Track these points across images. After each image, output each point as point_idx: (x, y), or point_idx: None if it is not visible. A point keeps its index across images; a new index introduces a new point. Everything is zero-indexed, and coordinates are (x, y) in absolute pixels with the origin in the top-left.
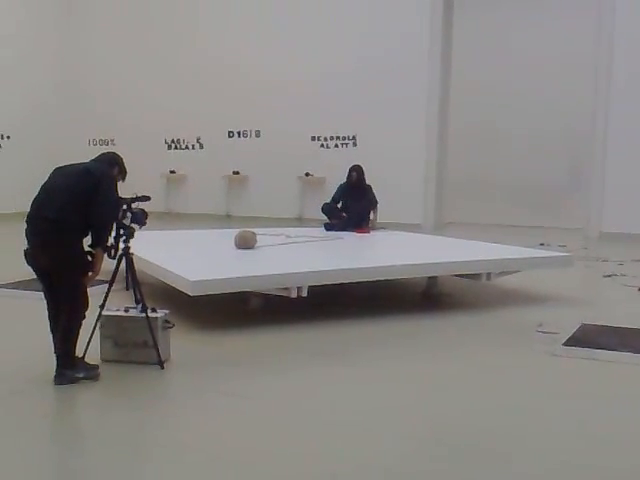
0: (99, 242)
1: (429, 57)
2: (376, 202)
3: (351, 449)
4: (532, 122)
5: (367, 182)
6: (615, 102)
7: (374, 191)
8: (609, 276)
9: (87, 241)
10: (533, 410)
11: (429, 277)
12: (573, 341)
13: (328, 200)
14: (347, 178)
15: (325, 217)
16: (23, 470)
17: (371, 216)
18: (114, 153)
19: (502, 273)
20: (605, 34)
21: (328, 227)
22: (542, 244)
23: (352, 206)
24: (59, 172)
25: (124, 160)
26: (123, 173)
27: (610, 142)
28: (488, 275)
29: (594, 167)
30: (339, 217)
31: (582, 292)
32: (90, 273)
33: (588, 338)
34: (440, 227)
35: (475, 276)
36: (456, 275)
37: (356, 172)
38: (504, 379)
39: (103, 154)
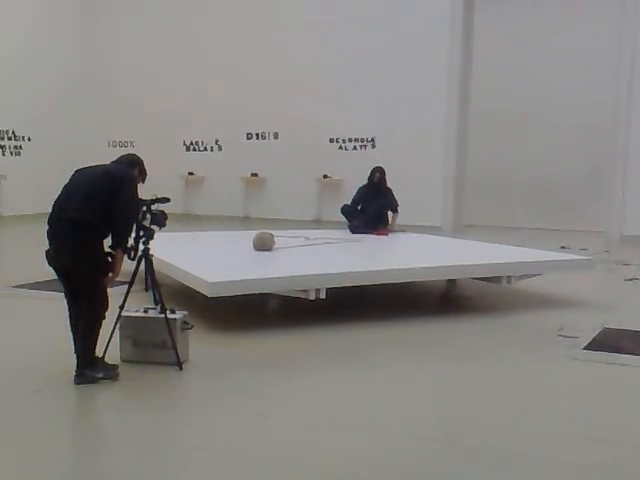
0: (119, 243)
1: (449, 57)
2: (397, 205)
3: (369, 450)
4: (552, 122)
5: (388, 185)
6: (638, 99)
7: (395, 195)
8: (631, 280)
9: (107, 242)
10: (552, 414)
11: (448, 280)
12: (594, 345)
13: (347, 202)
14: (369, 178)
15: (344, 218)
16: (42, 468)
17: (390, 218)
18: (134, 155)
19: (522, 276)
20: (628, 28)
21: (353, 229)
22: (563, 247)
23: (370, 207)
24: (80, 174)
25: (144, 162)
26: (143, 175)
27: (632, 144)
28: (508, 278)
29: (616, 169)
30: (358, 218)
31: (603, 296)
32: (110, 274)
33: (609, 342)
34: (460, 230)
35: (495, 279)
36: (476, 278)
37: (379, 172)
38: (524, 383)
39: (123, 156)
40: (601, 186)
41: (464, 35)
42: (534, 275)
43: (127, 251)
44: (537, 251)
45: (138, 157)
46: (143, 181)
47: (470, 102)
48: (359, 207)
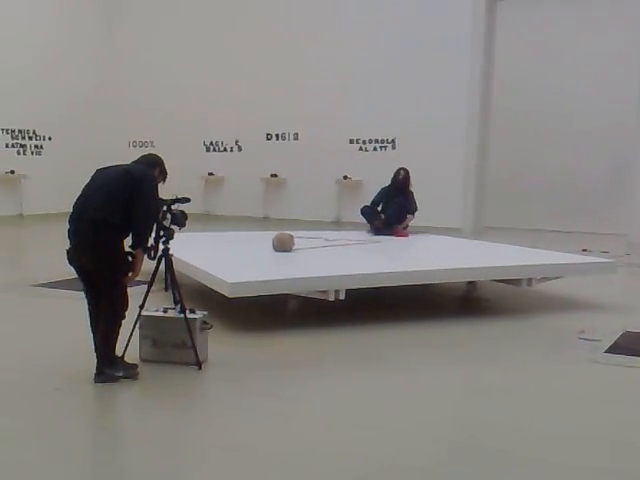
0: (140, 243)
1: (470, 58)
2: (415, 210)
3: (387, 451)
4: (574, 123)
5: (410, 188)
6: None
7: (416, 199)
8: None
9: (128, 242)
10: (572, 417)
11: (468, 282)
12: (615, 348)
13: (366, 203)
14: (393, 177)
15: (364, 220)
16: (62, 466)
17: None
18: (155, 155)
19: (543, 279)
20: None
21: (375, 231)
22: (584, 250)
23: (390, 208)
24: (101, 173)
25: (164, 162)
26: (164, 174)
27: None
28: (529, 281)
29: (637, 171)
30: (379, 220)
31: (625, 299)
32: (130, 274)
33: (630, 345)
34: (480, 231)
35: (515, 281)
36: (496, 280)
37: (404, 171)
38: (544, 386)
39: (144, 156)
40: (623, 188)
41: (486, 35)
42: (555, 278)
43: (147, 250)
44: (558, 253)
45: (159, 157)
46: (164, 181)
47: (491, 103)
48: (379, 208)
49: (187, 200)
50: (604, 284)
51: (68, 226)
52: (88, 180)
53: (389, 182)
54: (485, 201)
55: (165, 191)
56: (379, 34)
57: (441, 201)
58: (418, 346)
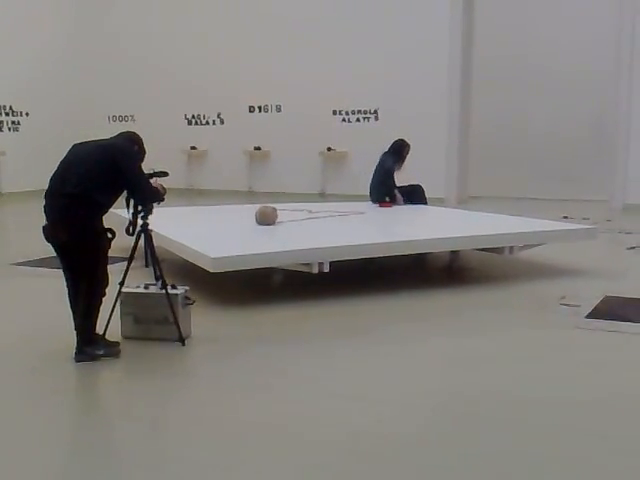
0: (146, 201)
1: (449, 28)
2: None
3: (372, 420)
4: (554, 79)
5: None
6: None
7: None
8: (633, 248)
9: (107, 218)
10: (555, 382)
11: (451, 251)
12: (596, 313)
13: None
14: (404, 153)
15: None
16: (43, 448)
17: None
18: (134, 132)
19: (525, 246)
20: None
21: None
22: (565, 217)
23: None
24: (78, 148)
25: (143, 139)
26: (142, 153)
27: (635, 113)
28: (511, 249)
29: (618, 138)
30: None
31: (605, 264)
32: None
33: (611, 310)
34: (463, 201)
35: (498, 250)
36: (479, 249)
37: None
38: (527, 352)
39: (122, 133)
40: (604, 156)
41: (466, 3)
42: (536, 245)
43: (158, 195)
44: (539, 221)
45: (137, 135)
46: (142, 160)
47: (473, 71)
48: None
49: (165, 174)
50: (585, 250)
51: (44, 201)
52: (65, 155)
53: (378, 157)
54: (468, 171)
55: (145, 165)
56: (361, 9)
57: (425, 171)
58: (403, 317)
